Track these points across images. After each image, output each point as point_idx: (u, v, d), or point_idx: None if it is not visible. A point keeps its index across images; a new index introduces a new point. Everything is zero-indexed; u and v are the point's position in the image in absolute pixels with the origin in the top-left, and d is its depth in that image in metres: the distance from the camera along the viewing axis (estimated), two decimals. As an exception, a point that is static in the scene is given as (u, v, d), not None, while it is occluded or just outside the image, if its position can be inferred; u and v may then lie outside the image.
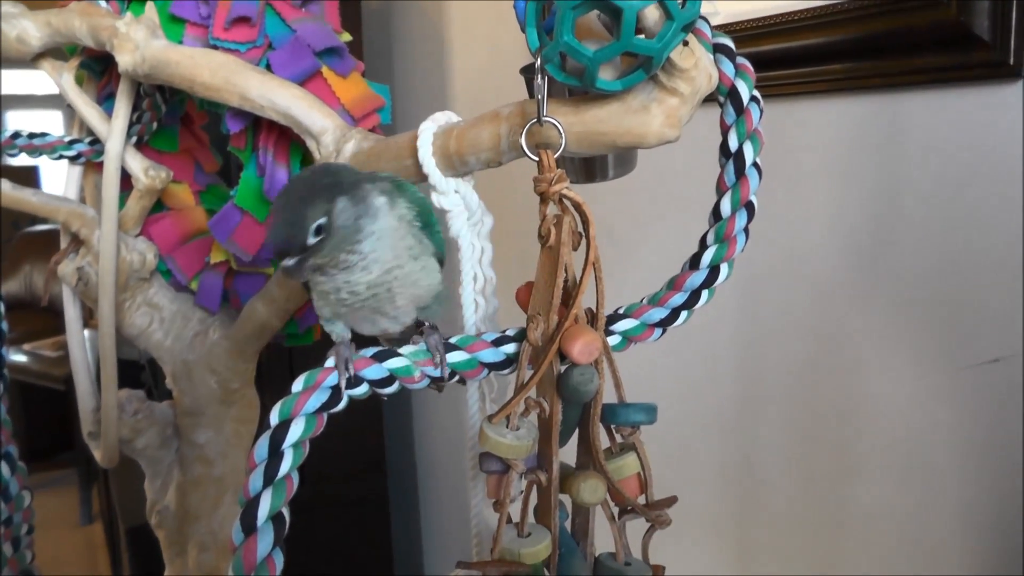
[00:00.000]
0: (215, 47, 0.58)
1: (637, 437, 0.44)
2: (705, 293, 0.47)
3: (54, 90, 0.71)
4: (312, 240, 0.40)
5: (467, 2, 1.35)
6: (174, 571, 0.76)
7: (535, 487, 0.45)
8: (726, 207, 0.46)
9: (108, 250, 0.66)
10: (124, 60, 0.55)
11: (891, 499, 0.76)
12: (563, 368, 0.43)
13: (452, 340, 0.44)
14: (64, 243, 0.73)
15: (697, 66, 0.43)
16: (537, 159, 0.42)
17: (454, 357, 0.43)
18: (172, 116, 0.75)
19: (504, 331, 0.45)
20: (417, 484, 1.78)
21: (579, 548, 0.46)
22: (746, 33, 0.78)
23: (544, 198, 0.42)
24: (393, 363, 0.42)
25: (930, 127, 0.67)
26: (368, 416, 1.61)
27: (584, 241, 0.42)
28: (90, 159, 0.72)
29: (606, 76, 0.41)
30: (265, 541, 0.35)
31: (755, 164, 0.46)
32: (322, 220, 0.40)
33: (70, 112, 0.75)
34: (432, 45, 1.45)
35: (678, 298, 0.47)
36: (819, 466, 0.83)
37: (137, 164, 0.67)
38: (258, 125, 0.62)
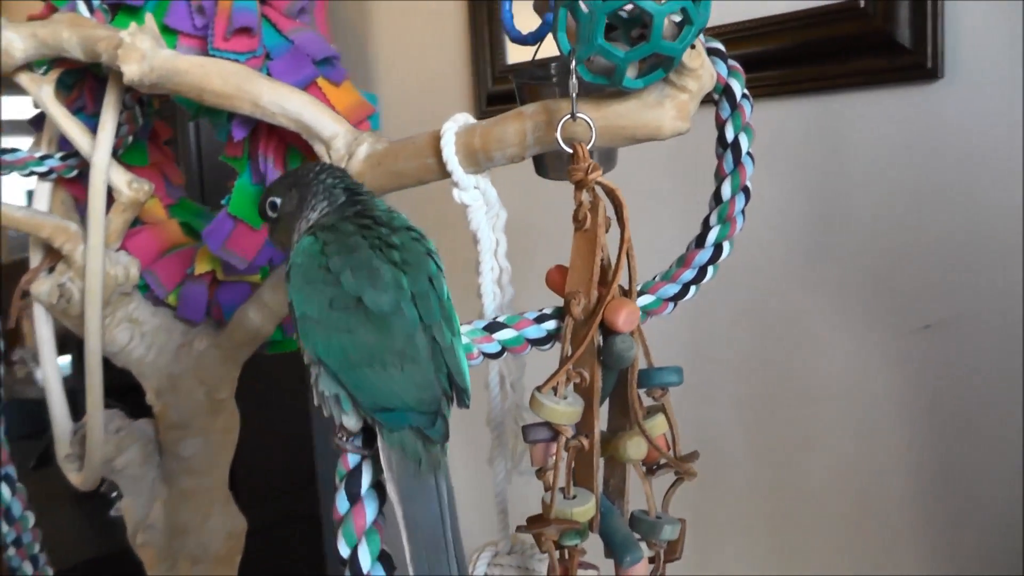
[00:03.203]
0: (213, 57, 0.59)
1: (667, 398, 0.49)
2: (711, 269, 0.52)
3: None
4: (270, 213, 0.47)
5: (391, 22, 1.38)
6: (162, 589, 0.75)
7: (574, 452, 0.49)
8: (726, 191, 0.52)
9: (95, 264, 0.65)
10: (131, 70, 0.55)
11: (845, 463, 0.84)
12: (602, 339, 0.47)
13: (501, 319, 0.47)
14: (35, 262, 0.71)
15: (703, 65, 0.48)
16: (571, 151, 0.47)
17: (503, 335, 0.47)
18: (142, 131, 0.75)
19: (542, 310, 0.49)
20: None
21: (615, 506, 0.50)
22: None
23: (579, 186, 0.47)
24: (454, 341, 0.45)
25: (863, 124, 0.76)
26: (297, 430, 1.59)
27: (617, 224, 0.47)
28: (61, 174, 0.71)
29: (630, 75, 0.46)
30: (371, 507, 0.38)
31: (749, 153, 0.52)
32: (275, 199, 0.47)
33: (37, 129, 0.73)
34: (356, 63, 1.47)
35: (688, 274, 0.52)
36: (775, 439, 0.90)
37: (120, 177, 0.67)
38: (255, 134, 0.64)
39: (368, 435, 0.40)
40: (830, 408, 0.84)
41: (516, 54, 1.30)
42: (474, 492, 1.26)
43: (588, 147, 0.47)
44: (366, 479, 0.38)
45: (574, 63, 0.45)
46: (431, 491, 0.37)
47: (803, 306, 0.85)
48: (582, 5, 0.43)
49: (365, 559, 0.36)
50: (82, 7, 0.62)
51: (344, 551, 0.37)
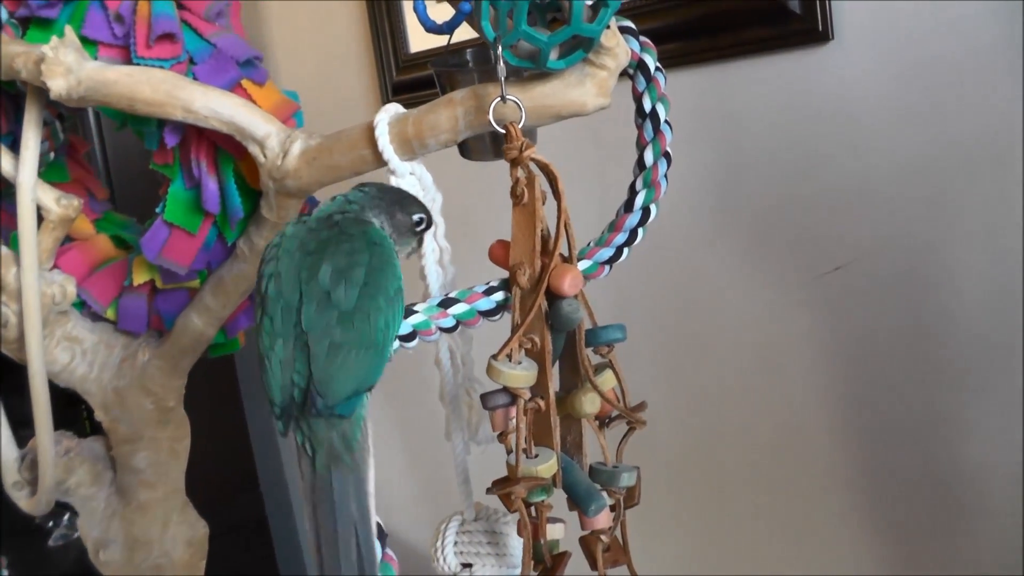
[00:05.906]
0: (140, 65, 0.60)
1: (613, 355, 0.53)
2: (640, 231, 0.56)
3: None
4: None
5: (287, 17, 1.37)
6: (128, 604, 0.75)
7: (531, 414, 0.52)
8: (649, 157, 0.55)
9: (31, 285, 0.65)
10: (57, 85, 0.55)
11: (764, 405, 0.90)
12: (548, 305, 0.50)
13: (453, 294, 0.50)
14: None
15: (619, 44, 0.52)
16: (504, 132, 0.50)
17: (457, 309, 0.50)
18: (62, 147, 0.74)
19: (489, 283, 0.52)
20: (291, 501, 1.77)
21: (574, 461, 0.54)
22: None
23: (515, 163, 0.50)
24: (413, 319, 0.48)
25: (760, 88, 0.82)
26: (234, 436, 1.57)
27: (553, 196, 0.50)
28: (-18, 198, 0.69)
29: (553, 57, 0.49)
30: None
31: (667, 121, 0.56)
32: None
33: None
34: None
35: (620, 237, 0.56)
36: (695, 389, 0.96)
37: (47, 194, 0.66)
38: (184, 139, 0.64)
39: None
40: (747, 353, 0.90)
41: (419, 42, 1.31)
42: (434, 465, 1.29)
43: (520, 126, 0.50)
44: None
45: (500, 48, 0.48)
46: (326, 489, 0.40)
47: (712, 261, 0.90)
48: (504, -7, 0.46)
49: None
50: (-10, 25, 0.61)
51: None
